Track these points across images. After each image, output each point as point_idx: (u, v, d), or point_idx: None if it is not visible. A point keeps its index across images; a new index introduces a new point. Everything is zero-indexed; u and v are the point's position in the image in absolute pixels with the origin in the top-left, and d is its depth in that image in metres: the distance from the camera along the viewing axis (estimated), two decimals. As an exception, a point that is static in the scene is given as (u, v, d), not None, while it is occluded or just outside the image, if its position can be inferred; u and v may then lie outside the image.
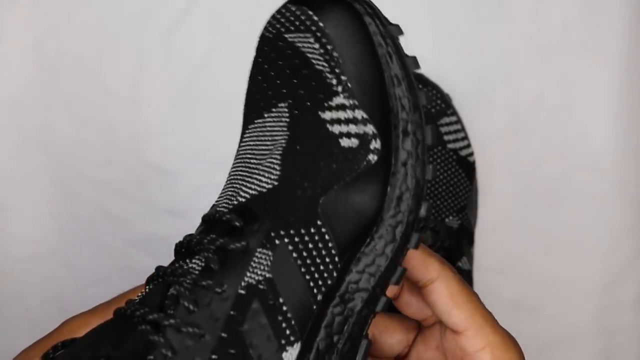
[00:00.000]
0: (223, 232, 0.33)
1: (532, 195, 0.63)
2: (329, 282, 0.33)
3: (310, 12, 0.34)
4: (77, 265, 0.64)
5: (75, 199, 0.64)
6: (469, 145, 0.58)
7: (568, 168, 0.63)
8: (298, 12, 0.34)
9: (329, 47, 0.33)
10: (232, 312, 0.31)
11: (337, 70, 0.33)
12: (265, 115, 0.36)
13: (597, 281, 0.63)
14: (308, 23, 0.34)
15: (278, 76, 0.35)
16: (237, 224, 0.33)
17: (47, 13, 0.63)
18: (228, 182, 0.36)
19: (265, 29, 0.36)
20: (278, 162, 0.34)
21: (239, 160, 0.36)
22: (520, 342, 0.38)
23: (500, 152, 0.63)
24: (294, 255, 0.32)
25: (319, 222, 0.33)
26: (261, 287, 0.32)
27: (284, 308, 0.32)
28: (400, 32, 0.34)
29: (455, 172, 0.57)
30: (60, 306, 0.63)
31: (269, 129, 0.35)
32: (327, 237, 0.33)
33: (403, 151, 0.34)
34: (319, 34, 0.33)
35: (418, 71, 0.34)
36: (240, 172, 0.35)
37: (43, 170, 0.64)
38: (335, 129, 0.33)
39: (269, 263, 0.32)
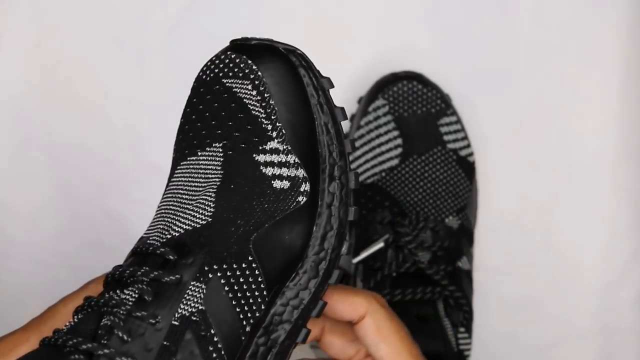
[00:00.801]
0: (156, 264, 0.34)
1: (532, 194, 0.63)
2: (257, 314, 0.35)
3: (250, 61, 0.36)
4: (77, 265, 0.64)
5: (75, 199, 0.64)
6: (469, 145, 0.58)
7: (568, 167, 0.63)
8: (237, 60, 0.36)
9: (266, 95, 0.35)
10: (165, 343, 0.32)
11: (272, 117, 0.36)
12: (199, 153, 0.37)
13: (597, 280, 0.63)
14: (247, 71, 0.36)
15: (213, 118, 0.37)
16: (171, 257, 0.34)
17: (47, 13, 0.63)
18: (158, 215, 0.37)
19: (203, 71, 0.38)
20: (212, 199, 0.35)
21: (169, 195, 0.38)
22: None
23: (500, 152, 0.63)
24: (226, 288, 0.34)
25: (250, 258, 0.35)
26: (194, 318, 0.33)
27: (215, 339, 0.33)
28: (331, 85, 0.37)
29: (455, 172, 0.57)
30: (61, 306, 0.63)
31: (202, 167, 0.37)
32: (257, 272, 0.35)
33: (329, 194, 0.36)
34: (257, 82, 0.36)
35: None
36: (171, 207, 0.37)
37: (43, 170, 0.64)
38: (269, 171, 0.35)
39: (202, 296, 0.33)
